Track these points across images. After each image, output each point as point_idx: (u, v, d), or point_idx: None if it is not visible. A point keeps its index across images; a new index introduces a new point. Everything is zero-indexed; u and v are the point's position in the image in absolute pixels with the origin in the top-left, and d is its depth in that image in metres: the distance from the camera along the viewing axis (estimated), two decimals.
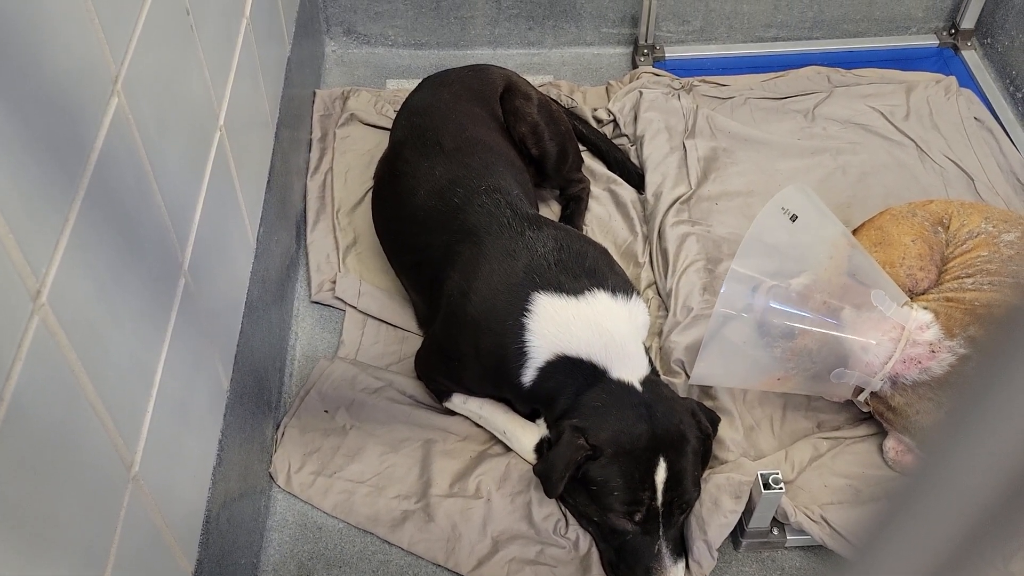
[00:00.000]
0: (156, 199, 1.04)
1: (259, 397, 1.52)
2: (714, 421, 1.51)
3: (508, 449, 1.60)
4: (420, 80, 2.00)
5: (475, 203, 1.61)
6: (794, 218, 1.51)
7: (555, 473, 1.39)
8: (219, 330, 1.31)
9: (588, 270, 1.54)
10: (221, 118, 1.35)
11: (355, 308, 1.83)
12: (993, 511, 0.28)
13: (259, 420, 1.53)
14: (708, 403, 1.64)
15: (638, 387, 1.45)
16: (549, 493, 1.43)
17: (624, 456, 1.38)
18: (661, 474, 1.37)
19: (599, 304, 1.50)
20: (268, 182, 1.66)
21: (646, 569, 1.38)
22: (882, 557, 0.32)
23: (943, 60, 2.38)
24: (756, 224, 1.46)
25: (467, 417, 1.64)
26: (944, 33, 2.43)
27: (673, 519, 1.40)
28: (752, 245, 1.46)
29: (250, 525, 1.44)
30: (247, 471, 1.44)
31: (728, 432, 1.60)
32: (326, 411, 1.66)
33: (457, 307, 1.54)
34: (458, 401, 1.64)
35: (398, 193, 1.73)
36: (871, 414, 1.64)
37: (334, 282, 1.87)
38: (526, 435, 1.57)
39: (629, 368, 1.47)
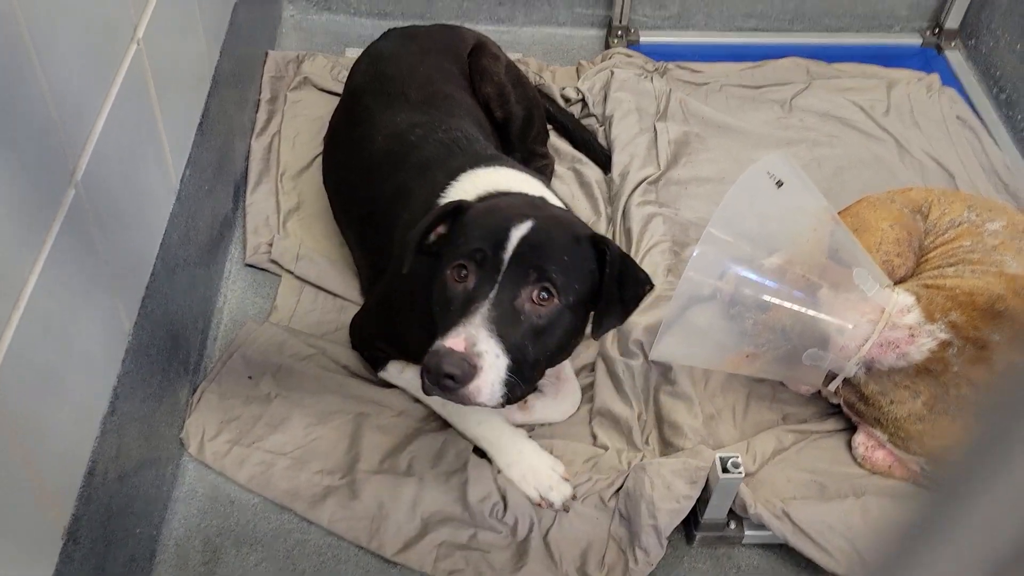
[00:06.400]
0: (38, 82, 0.90)
1: (172, 354, 1.38)
2: (643, 281, 1.26)
3: (446, 425, 1.46)
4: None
5: (432, 140, 1.50)
6: (779, 184, 1.38)
7: (424, 223, 1.22)
8: (123, 265, 1.17)
9: None
10: (140, 30, 1.21)
11: (291, 274, 1.69)
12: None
13: (171, 380, 1.38)
14: (667, 388, 1.52)
15: None
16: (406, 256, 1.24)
17: (490, 210, 1.24)
18: (521, 230, 1.18)
19: None
20: (200, 125, 1.52)
21: (462, 309, 1.14)
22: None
23: (926, 59, 2.30)
24: (738, 185, 1.33)
25: (404, 390, 1.50)
26: (928, 33, 2.35)
27: (519, 285, 1.15)
28: (732, 208, 1.33)
29: (151, 492, 1.29)
30: (151, 432, 1.29)
31: (686, 419, 1.47)
32: (250, 377, 1.51)
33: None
34: (394, 371, 1.49)
35: (354, 140, 1.61)
36: (839, 408, 1.53)
37: (271, 245, 1.73)
38: None
39: None
